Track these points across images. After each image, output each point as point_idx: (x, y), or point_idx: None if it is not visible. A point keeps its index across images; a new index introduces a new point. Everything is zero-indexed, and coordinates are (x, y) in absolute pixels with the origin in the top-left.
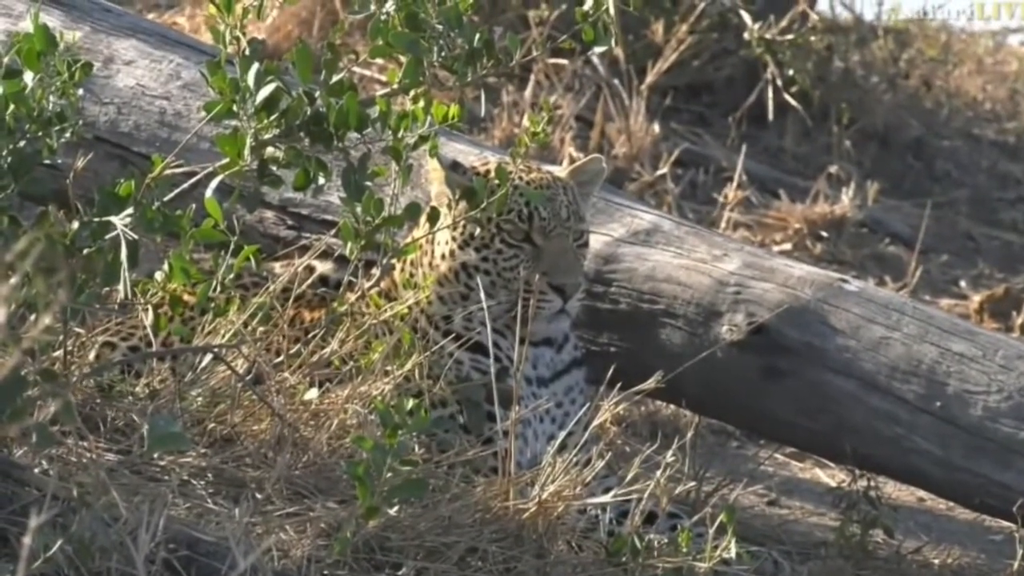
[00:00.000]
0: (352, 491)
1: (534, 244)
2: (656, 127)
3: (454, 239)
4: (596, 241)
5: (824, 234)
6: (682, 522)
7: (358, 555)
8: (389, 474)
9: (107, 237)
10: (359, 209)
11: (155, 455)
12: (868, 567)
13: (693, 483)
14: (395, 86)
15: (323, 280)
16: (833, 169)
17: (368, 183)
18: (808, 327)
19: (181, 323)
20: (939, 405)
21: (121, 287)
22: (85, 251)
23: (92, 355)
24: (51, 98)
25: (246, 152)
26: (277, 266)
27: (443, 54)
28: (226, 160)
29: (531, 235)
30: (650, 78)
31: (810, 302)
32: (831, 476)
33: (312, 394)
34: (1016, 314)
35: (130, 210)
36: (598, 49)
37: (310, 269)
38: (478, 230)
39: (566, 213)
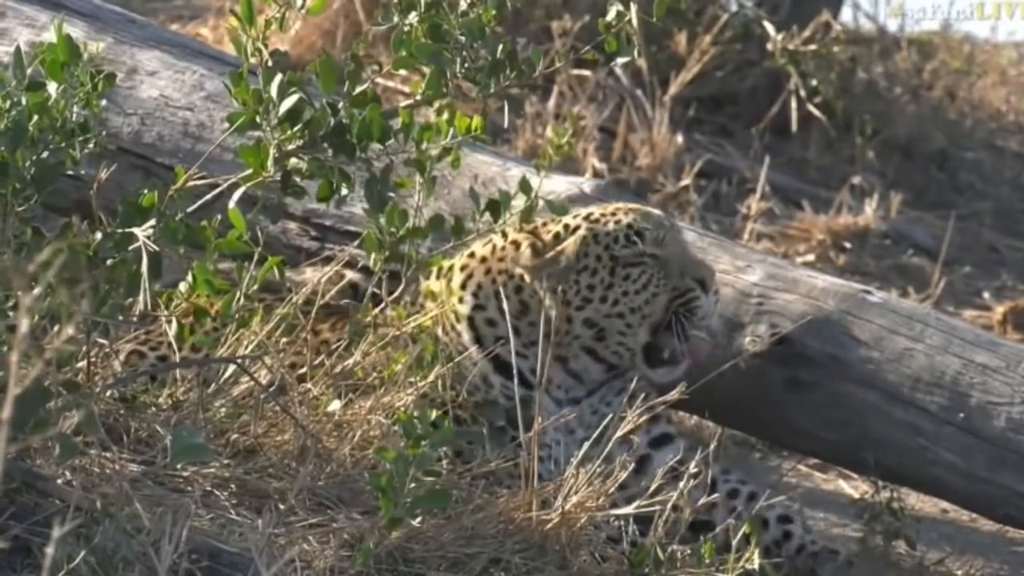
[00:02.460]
0: (375, 502)
1: (655, 257)
2: (679, 138)
3: (567, 303)
4: None
5: (847, 245)
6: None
7: (381, 566)
8: (412, 485)
9: (130, 248)
10: (383, 220)
11: (178, 466)
12: None
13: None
14: (418, 97)
15: (353, 287)
16: (856, 180)
17: (391, 194)
18: (831, 338)
19: (204, 334)
20: (962, 416)
21: (141, 298)
22: (108, 262)
23: (119, 364)
24: (74, 109)
25: (269, 163)
26: (308, 271)
27: (466, 65)
28: (249, 171)
29: (646, 251)
30: (673, 89)
31: (833, 313)
32: (854, 487)
33: (335, 405)
34: None
35: (153, 221)
36: (621, 60)
37: (340, 276)
38: (585, 280)
39: (657, 218)
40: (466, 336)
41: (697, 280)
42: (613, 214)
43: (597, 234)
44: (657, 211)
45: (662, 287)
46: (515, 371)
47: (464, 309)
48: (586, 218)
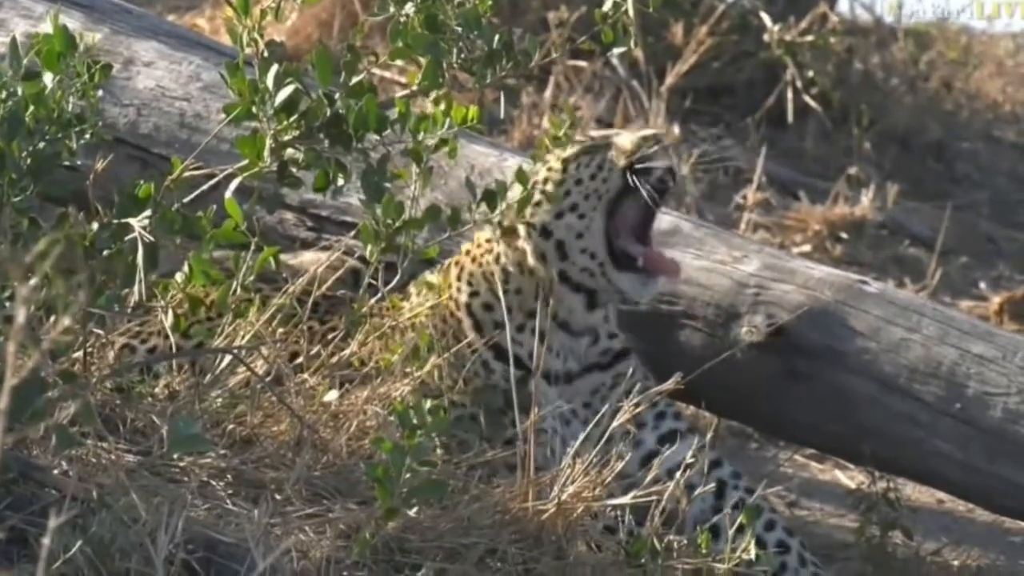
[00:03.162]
0: (371, 492)
1: (606, 146)
2: (676, 129)
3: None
4: None
5: (844, 236)
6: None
7: (377, 556)
8: (408, 475)
9: (126, 239)
10: (379, 211)
11: (175, 456)
12: (887, 569)
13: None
14: (415, 88)
15: (355, 272)
16: (853, 171)
17: (388, 185)
18: (828, 329)
19: (200, 324)
20: (959, 407)
21: (138, 289)
22: (104, 253)
23: (112, 356)
24: (71, 99)
25: (266, 153)
26: (306, 254)
27: (463, 56)
28: (246, 162)
29: (597, 142)
30: (670, 80)
31: (830, 304)
32: (851, 478)
33: (331, 395)
34: None
35: (149, 212)
36: (618, 51)
37: (340, 262)
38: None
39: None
40: (466, 323)
41: (647, 139)
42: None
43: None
44: None
45: (614, 166)
46: (511, 356)
47: (463, 298)
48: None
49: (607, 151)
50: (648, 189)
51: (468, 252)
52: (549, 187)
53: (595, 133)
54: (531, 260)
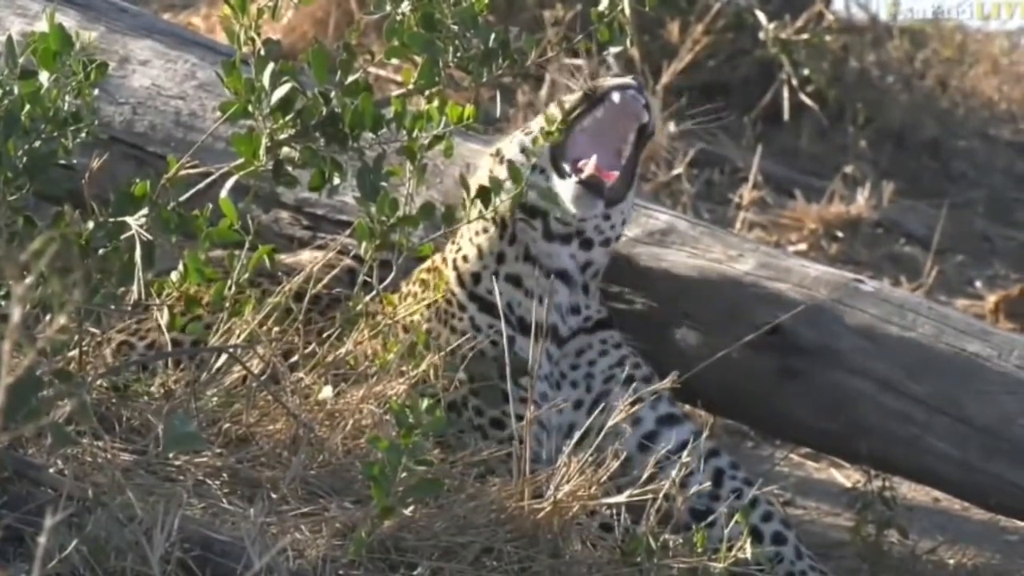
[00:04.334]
0: (367, 491)
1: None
2: (672, 127)
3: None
4: None
5: (839, 234)
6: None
7: (373, 555)
8: (404, 474)
9: (122, 237)
10: (374, 209)
11: (170, 455)
12: (883, 567)
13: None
14: (410, 86)
15: (351, 272)
16: (849, 169)
17: (383, 183)
18: (824, 328)
19: (196, 322)
20: (954, 406)
21: (135, 287)
22: (100, 251)
23: (109, 354)
24: (67, 98)
25: (261, 152)
26: (305, 253)
27: (458, 54)
28: (241, 160)
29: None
30: (665, 78)
31: (826, 302)
32: (846, 476)
33: (327, 393)
34: None
35: (145, 210)
36: (614, 49)
37: (338, 259)
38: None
39: None
40: (450, 276)
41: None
42: None
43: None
44: None
45: (573, 91)
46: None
47: (450, 255)
48: None
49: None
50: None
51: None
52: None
53: None
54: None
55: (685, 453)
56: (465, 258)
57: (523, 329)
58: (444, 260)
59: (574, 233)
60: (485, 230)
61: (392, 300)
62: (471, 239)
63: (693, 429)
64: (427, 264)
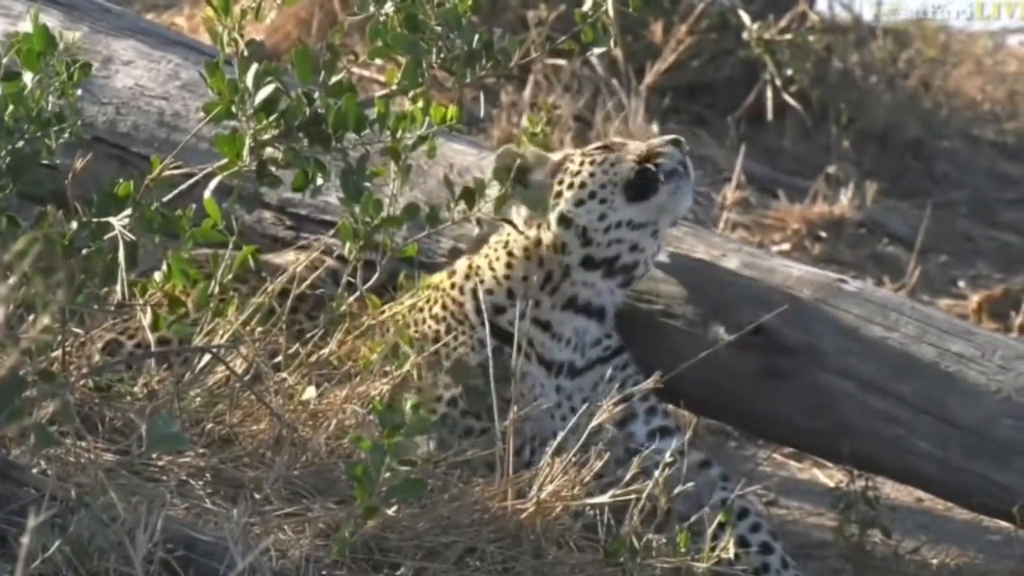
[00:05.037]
0: (350, 491)
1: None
2: (655, 127)
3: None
4: None
5: (823, 234)
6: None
7: (356, 555)
8: (387, 474)
9: (106, 237)
10: (358, 210)
11: (153, 455)
12: (866, 567)
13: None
14: (394, 87)
15: (334, 274)
16: (832, 169)
17: (367, 184)
18: (807, 328)
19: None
20: (938, 406)
21: (119, 288)
22: (84, 251)
23: (97, 351)
24: (50, 98)
25: (245, 153)
26: (290, 253)
27: (442, 55)
28: (225, 160)
29: (605, 143)
30: (649, 78)
31: (809, 303)
32: (829, 476)
33: (310, 394)
34: (1015, 314)
35: (129, 211)
36: (597, 50)
37: (320, 261)
38: (557, 180)
39: None
40: (468, 305)
41: (666, 142)
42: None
43: (566, 155)
44: None
45: (627, 157)
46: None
47: (468, 284)
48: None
49: (621, 147)
50: (658, 172)
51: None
52: (566, 179)
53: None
54: (545, 250)
55: (668, 453)
56: (491, 291)
57: (543, 363)
58: (454, 285)
59: (629, 265)
60: (509, 265)
61: (377, 302)
62: (498, 276)
63: (687, 440)
64: (440, 278)
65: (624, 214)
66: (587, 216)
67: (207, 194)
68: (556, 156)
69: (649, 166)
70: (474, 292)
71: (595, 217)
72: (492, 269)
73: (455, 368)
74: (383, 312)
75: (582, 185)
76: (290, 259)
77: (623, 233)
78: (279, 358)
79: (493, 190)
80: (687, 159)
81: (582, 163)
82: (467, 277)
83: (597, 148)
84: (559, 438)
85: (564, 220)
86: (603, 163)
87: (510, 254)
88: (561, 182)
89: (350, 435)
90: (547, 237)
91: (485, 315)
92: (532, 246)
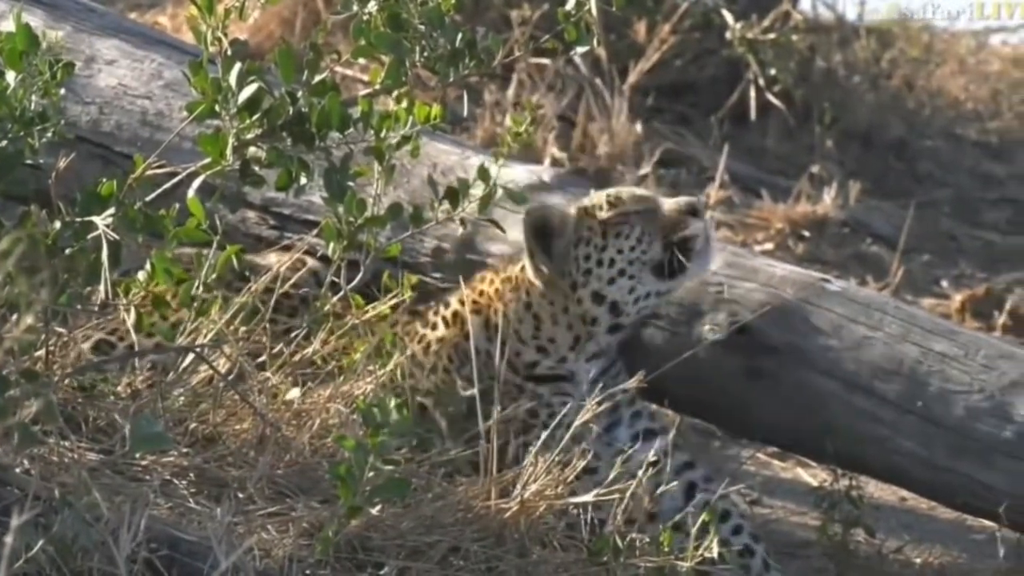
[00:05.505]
0: (334, 491)
1: (639, 213)
2: (638, 127)
3: (573, 284)
4: None
5: (806, 234)
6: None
7: (340, 554)
8: (371, 473)
9: (89, 237)
10: (341, 209)
11: (137, 455)
12: (849, 566)
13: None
14: (377, 86)
15: (315, 275)
16: (815, 169)
17: (350, 183)
18: (790, 327)
19: (163, 320)
20: (921, 405)
21: (102, 287)
22: (67, 251)
23: (83, 352)
24: (33, 98)
25: (228, 152)
26: (272, 255)
27: (425, 54)
28: (208, 160)
29: (629, 209)
30: (632, 78)
31: (792, 302)
32: (813, 476)
33: (294, 393)
34: (997, 313)
35: (112, 210)
36: (580, 49)
37: (302, 262)
38: (582, 251)
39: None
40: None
41: (686, 210)
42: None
43: (583, 207)
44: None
45: (654, 232)
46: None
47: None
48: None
49: (644, 220)
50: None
51: (494, 287)
52: (592, 254)
53: (624, 192)
54: (574, 318)
55: (652, 453)
56: (518, 353)
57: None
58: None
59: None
60: (538, 328)
61: (359, 301)
62: (525, 339)
63: (672, 442)
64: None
65: (653, 287)
66: (618, 293)
67: (190, 193)
68: (572, 210)
69: (676, 251)
70: (502, 351)
71: (626, 291)
72: (517, 332)
73: (440, 395)
74: (366, 312)
75: (611, 263)
76: (275, 259)
77: (651, 302)
78: (263, 357)
79: (477, 190)
80: (709, 220)
81: (605, 234)
82: (489, 339)
83: (617, 216)
84: (542, 438)
85: (598, 297)
86: (629, 237)
87: (536, 317)
88: (588, 257)
89: (334, 434)
90: (576, 309)
91: (521, 375)
92: (560, 312)
